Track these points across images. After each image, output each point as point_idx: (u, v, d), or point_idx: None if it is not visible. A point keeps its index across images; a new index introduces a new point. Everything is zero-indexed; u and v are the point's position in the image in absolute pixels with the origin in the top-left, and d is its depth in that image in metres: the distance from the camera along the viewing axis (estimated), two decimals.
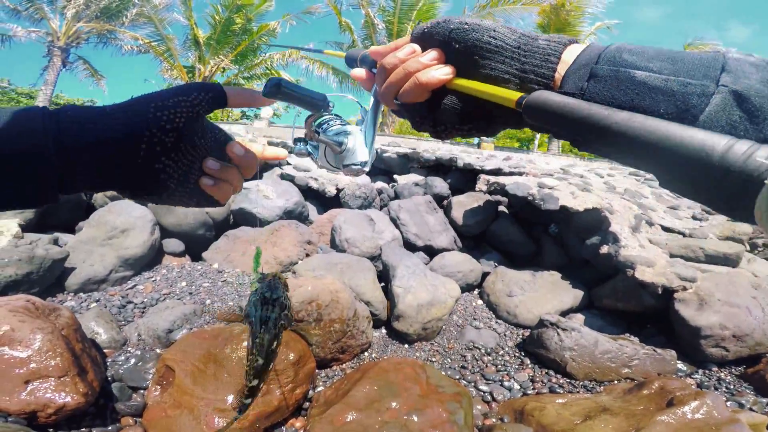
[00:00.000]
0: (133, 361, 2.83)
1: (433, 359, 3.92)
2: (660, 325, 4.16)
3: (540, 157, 9.83)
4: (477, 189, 5.92)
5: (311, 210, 6.15)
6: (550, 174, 6.65)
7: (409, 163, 7.47)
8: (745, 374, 3.53)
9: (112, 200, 4.50)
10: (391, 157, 7.35)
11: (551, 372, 3.61)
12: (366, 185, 6.24)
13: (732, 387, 3.42)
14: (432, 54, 0.46)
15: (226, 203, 0.65)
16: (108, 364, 2.74)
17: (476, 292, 5.29)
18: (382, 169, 7.55)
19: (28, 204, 0.46)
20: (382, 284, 4.48)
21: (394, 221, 5.60)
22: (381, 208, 6.19)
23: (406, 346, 4.08)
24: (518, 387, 3.48)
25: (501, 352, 4.05)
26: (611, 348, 3.46)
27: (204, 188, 0.55)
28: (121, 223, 3.99)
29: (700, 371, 3.63)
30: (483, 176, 5.84)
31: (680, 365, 3.66)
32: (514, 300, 4.69)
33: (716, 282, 4.11)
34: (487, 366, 3.81)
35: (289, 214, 5.41)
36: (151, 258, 4.16)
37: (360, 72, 0.58)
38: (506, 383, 3.51)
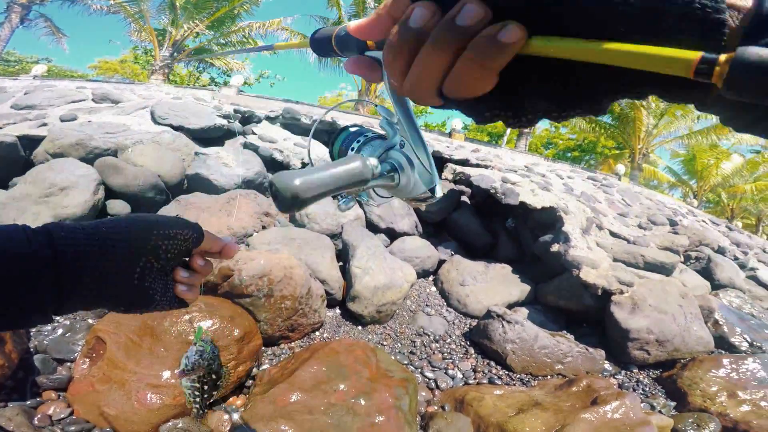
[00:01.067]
0: (60, 331, 2.63)
1: (385, 343, 3.94)
2: (594, 326, 4.39)
3: (507, 153, 9.98)
4: (443, 177, 5.93)
5: None
6: (514, 170, 6.76)
7: None
8: (660, 377, 3.79)
9: (54, 157, 4.12)
10: None
11: (492, 363, 3.73)
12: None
13: (647, 389, 3.68)
14: (472, 9, 0.26)
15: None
16: (32, 334, 2.54)
17: (431, 278, 5.35)
18: None
19: (18, 324, 0.48)
20: (341, 263, 4.42)
21: (359, 201, 5.50)
22: None
23: (359, 327, 4.07)
24: (461, 376, 3.57)
25: (448, 340, 4.13)
26: (549, 344, 3.61)
27: (179, 295, 0.61)
28: (61, 181, 3.66)
29: (623, 372, 3.87)
30: (450, 165, 5.84)
31: (607, 365, 3.88)
32: (466, 289, 4.79)
33: (650, 288, 4.36)
34: (434, 353, 3.89)
35: (248, 184, 5.19)
36: (92, 219, 3.85)
37: (355, 63, 0.40)
38: (450, 371, 3.60)
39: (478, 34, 0.25)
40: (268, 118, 6.98)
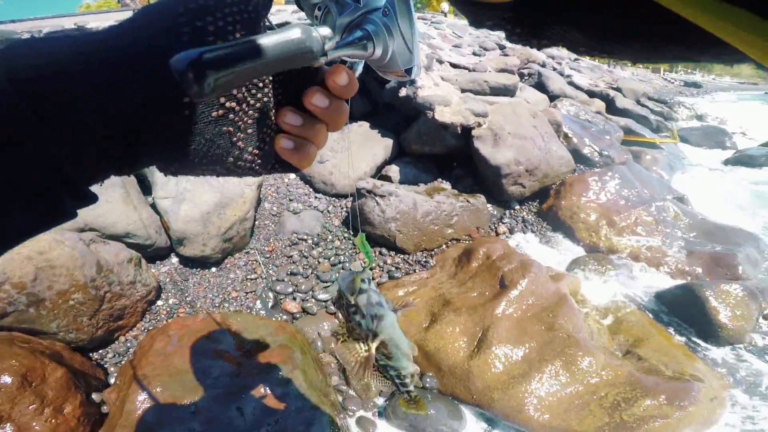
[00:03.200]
0: None
1: (254, 275, 3.08)
2: (466, 165, 4.16)
3: None
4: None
5: None
6: None
7: None
8: (540, 210, 3.85)
9: None
10: None
11: (384, 251, 3.26)
12: None
13: (534, 226, 3.72)
14: None
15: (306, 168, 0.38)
16: None
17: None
18: None
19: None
20: (149, 197, 3.11)
21: None
22: None
23: (213, 270, 3.09)
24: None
25: (329, 237, 3.47)
26: (430, 208, 3.23)
27: (281, 153, 0.37)
28: None
29: (507, 213, 3.82)
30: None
31: (491, 209, 3.76)
32: (327, 166, 4.00)
33: (503, 114, 4.19)
34: (319, 262, 3.20)
35: None
36: None
37: None
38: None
39: None
40: None
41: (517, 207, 3.93)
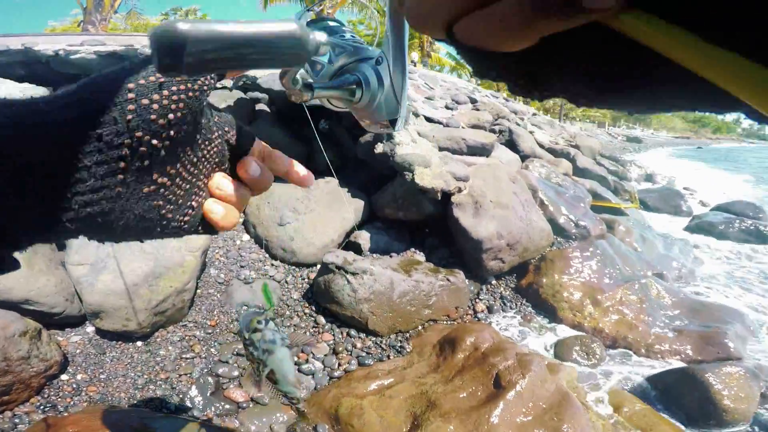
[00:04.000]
0: None
1: (190, 354, 2.50)
2: (440, 235, 3.80)
3: None
4: (219, 86, 4.04)
5: None
6: None
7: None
8: (519, 287, 3.54)
9: None
10: (86, 59, 4.53)
11: (353, 332, 2.77)
12: (18, 98, 3.40)
13: (513, 303, 3.39)
14: None
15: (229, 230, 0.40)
16: None
17: (241, 220, 3.86)
18: (72, 75, 4.68)
19: None
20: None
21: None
22: None
23: (139, 344, 2.50)
24: (321, 366, 2.52)
25: (287, 312, 2.95)
26: (408, 288, 2.80)
27: (207, 215, 0.37)
28: None
29: (484, 288, 3.46)
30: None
31: (468, 284, 3.38)
32: (288, 230, 3.51)
33: (483, 178, 3.93)
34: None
35: None
36: None
37: None
38: (305, 365, 2.49)
39: None
40: None
41: (494, 282, 3.59)
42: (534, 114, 10.51)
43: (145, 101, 0.29)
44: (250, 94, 4.47)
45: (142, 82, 0.30)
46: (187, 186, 0.34)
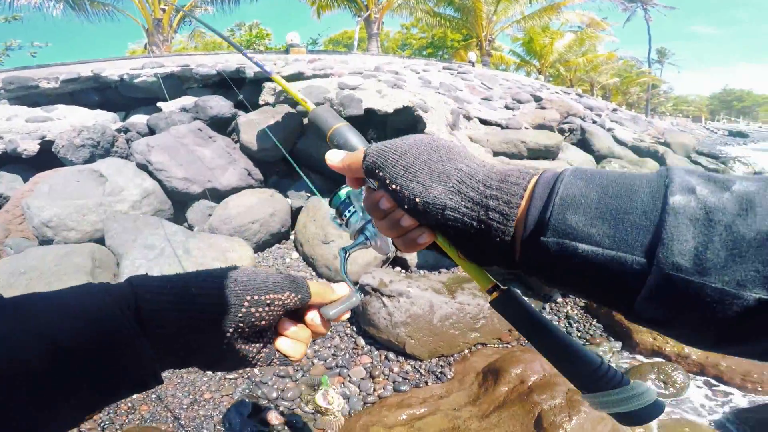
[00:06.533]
0: None
1: (234, 374, 2.43)
2: None
3: (358, 57, 8.22)
4: (261, 101, 4.11)
5: (13, 181, 3.59)
6: (359, 72, 5.15)
7: (183, 84, 5.11)
8: (589, 306, 2.96)
9: None
10: (148, 81, 4.89)
11: (391, 355, 2.49)
12: (91, 127, 3.77)
13: (581, 324, 2.82)
14: (407, 220, 0.40)
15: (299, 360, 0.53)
16: None
17: (292, 239, 3.82)
18: (139, 99, 5.07)
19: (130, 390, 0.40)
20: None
21: (145, 168, 3.49)
22: (128, 156, 3.91)
23: (178, 370, 2.48)
24: (357, 390, 2.29)
25: (328, 333, 2.76)
26: (450, 311, 2.43)
27: (281, 350, 0.49)
28: None
29: (547, 307, 2.94)
30: (268, 84, 4.02)
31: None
32: (332, 247, 3.37)
33: None
34: (313, 363, 2.51)
35: None
36: None
37: (331, 161, 0.49)
38: (340, 388, 2.28)
39: (407, 232, 0.41)
40: None
41: (560, 300, 3.04)
42: (614, 110, 9.35)
43: (254, 310, 0.44)
44: (299, 108, 4.50)
45: (256, 298, 0.44)
46: (264, 336, 0.48)
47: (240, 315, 0.42)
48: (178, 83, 5.10)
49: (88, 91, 4.93)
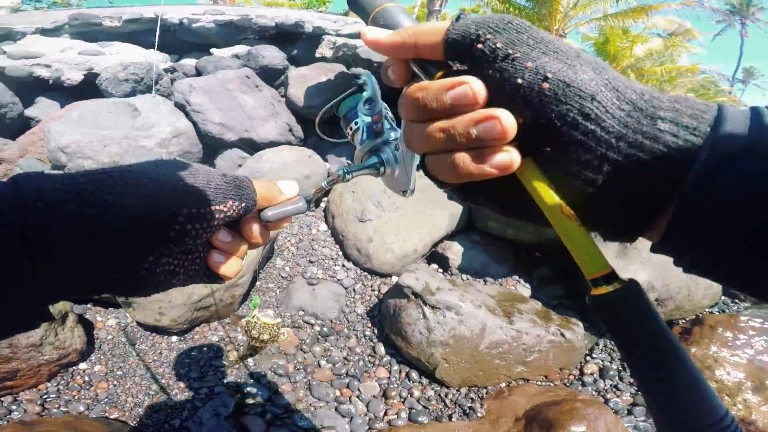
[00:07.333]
0: None
1: (222, 362, 2.12)
2: (554, 263, 2.87)
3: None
4: (318, 54, 3.70)
5: (50, 107, 3.65)
6: None
7: (239, 34, 4.83)
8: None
9: None
10: (206, 27, 4.63)
11: (413, 374, 2.10)
12: (138, 63, 3.50)
13: None
14: (499, 126, 0.24)
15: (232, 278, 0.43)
16: None
17: (322, 208, 3.45)
18: (194, 43, 4.86)
19: None
20: None
21: (183, 108, 3.16)
22: (169, 96, 3.63)
23: (174, 339, 2.20)
24: (364, 411, 1.93)
25: (344, 327, 2.41)
26: (504, 338, 2.00)
27: (212, 267, 0.40)
28: None
29: (601, 343, 2.43)
30: (327, 38, 3.61)
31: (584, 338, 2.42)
32: (368, 228, 2.96)
33: None
34: (319, 365, 2.15)
35: None
36: None
37: (376, 35, 0.30)
38: (344, 406, 1.92)
39: (491, 149, 0.26)
40: (44, 31, 4.58)
41: None
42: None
43: (189, 228, 0.34)
44: (355, 70, 4.06)
45: (194, 211, 0.35)
46: (196, 255, 0.37)
47: (172, 234, 0.32)
48: (235, 33, 4.87)
49: (148, 32, 4.79)
